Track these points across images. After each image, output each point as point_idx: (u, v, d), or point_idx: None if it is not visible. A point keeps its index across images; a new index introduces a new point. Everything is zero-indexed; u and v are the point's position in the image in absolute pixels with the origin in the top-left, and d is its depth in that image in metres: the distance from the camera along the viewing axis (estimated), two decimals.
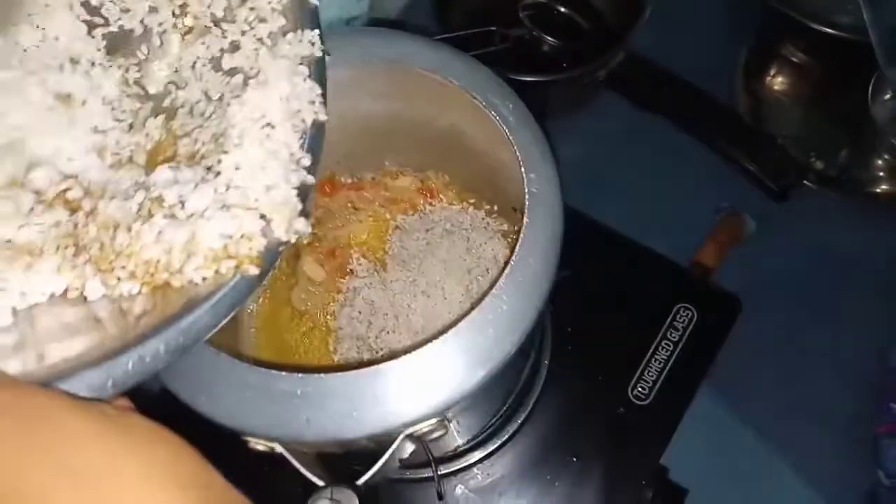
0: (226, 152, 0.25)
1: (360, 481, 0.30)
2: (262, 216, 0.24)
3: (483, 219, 0.43)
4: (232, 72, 0.26)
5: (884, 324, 0.53)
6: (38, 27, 0.27)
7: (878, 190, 0.59)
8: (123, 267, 0.23)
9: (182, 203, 0.24)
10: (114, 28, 0.28)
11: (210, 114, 0.26)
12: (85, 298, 0.23)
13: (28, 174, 0.25)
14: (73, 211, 0.25)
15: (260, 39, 0.26)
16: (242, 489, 0.21)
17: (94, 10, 0.28)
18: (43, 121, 0.26)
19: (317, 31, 0.27)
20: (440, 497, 0.45)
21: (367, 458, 0.30)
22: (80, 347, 0.22)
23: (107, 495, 0.19)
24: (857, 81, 0.55)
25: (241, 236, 0.24)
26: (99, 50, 0.28)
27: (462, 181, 0.45)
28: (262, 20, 0.26)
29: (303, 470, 0.30)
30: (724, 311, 0.51)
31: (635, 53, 0.57)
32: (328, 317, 0.43)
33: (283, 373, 0.28)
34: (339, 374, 0.28)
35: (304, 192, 0.25)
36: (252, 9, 0.26)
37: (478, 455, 0.46)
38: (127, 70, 0.28)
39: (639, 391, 0.48)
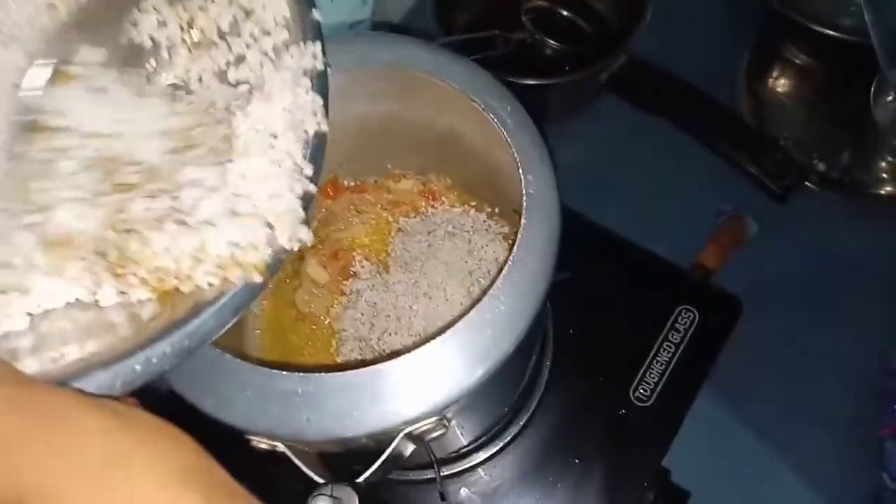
0: (231, 160, 0.25)
1: (360, 479, 0.30)
2: (268, 224, 0.24)
3: (484, 221, 0.43)
4: (237, 84, 0.27)
5: (886, 325, 0.53)
6: None
7: (881, 192, 0.59)
8: (135, 274, 0.24)
9: (194, 208, 0.24)
10: (123, 42, 0.28)
11: (217, 121, 0.27)
12: (97, 303, 0.24)
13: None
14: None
15: (264, 52, 0.27)
16: (245, 486, 0.22)
17: None
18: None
19: (319, 44, 0.27)
20: (443, 498, 0.45)
21: (368, 456, 0.31)
22: (92, 349, 0.23)
23: (117, 490, 0.19)
24: (858, 83, 0.55)
25: (248, 244, 0.24)
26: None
27: (463, 183, 0.45)
28: (266, 33, 0.27)
29: (304, 468, 0.30)
30: (726, 313, 0.51)
31: (637, 56, 0.57)
32: (331, 319, 0.43)
33: (284, 372, 0.29)
34: (339, 373, 0.29)
35: (306, 201, 0.26)
36: (256, 23, 0.27)
37: (481, 456, 0.46)
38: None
39: (640, 393, 0.48)
